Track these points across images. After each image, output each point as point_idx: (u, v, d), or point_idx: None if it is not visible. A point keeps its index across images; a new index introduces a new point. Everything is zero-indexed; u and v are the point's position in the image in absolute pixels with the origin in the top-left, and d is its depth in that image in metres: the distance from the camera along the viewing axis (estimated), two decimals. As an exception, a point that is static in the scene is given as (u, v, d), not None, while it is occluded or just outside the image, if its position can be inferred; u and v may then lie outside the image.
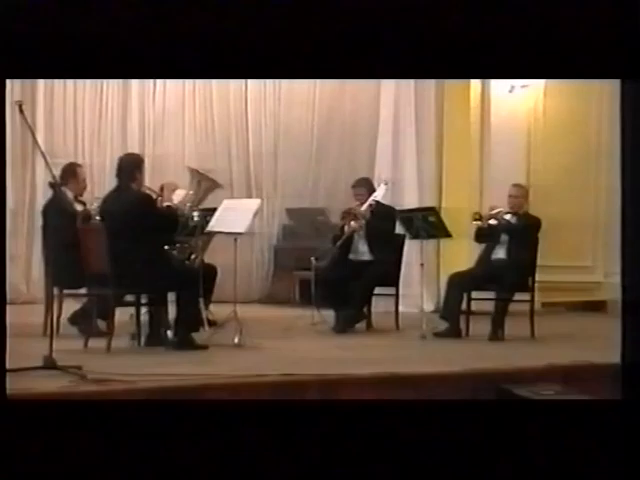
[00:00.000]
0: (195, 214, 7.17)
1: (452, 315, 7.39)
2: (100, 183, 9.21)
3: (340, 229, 8.07)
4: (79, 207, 7.26)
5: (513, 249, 7.48)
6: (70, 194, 7.29)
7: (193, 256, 7.45)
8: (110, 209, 6.57)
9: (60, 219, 6.85)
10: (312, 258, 8.15)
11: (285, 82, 10.75)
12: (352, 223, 7.92)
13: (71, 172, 7.45)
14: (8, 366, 4.36)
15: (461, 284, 7.43)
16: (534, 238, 7.50)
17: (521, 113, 9.97)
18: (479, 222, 7.48)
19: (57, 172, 6.95)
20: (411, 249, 8.29)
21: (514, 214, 7.56)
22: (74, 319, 7.11)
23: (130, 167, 6.62)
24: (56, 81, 9.95)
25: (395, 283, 8.03)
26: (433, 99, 9.79)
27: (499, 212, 7.54)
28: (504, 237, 7.55)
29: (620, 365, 4.50)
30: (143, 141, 10.41)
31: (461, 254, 8.56)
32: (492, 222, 7.47)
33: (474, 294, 7.49)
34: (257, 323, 7.80)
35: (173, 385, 4.85)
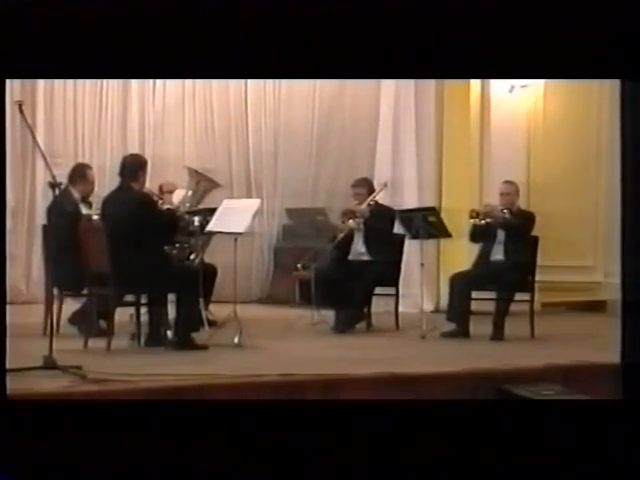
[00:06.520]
0: (196, 218, 7.16)
1: (459, 316, 7.38)
2: (99, 183, 9.18)
3: (340, 226, 8.04)
4: (84, 208, 7.27)
5: (511, 247, 7.47)
6: (77, 195, 7.30)
7: (193, 256, 7.45)
8: (111, 209, 6.58)
9: (63, 219, 6.85)
10: (302, 263, 8.22)
11: (285, 82, 10.75)
12: (350, 222, 7.92)
13: (80, 173, 7.46)
14: (8, 366, 4.36)
15: (464, 284, 7.42)
16: (530, 233, 7.50)
17: (521, 113, 9.96)
18: (476, 220, 7.45)
19: (57, 172, 6.92)
20: (411, 249, 8.28)
21: (508, 211, 7.55)
22: (74, 319, 7.11)
23: (133, 168, 6.64)
24: (56, 81, 9.95)
25: (395, 283, 8.03)
26: (433, 99, 9.78)
27: (495, 208, 7.52)
28: (500, 235, 7.54)
29: (620, 365, 4.51)
30: (143, 141, 10.41)
31: (461, 254, 8.55)
32: (488, 220, 7.45)
33: (474, 294, 7.48)
34: (257, 323, 7.80)
35: (173, 385, 4.85)
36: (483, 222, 7.44)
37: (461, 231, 7.84)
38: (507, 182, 7.76)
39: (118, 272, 6.23)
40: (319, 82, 10.79)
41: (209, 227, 7.12)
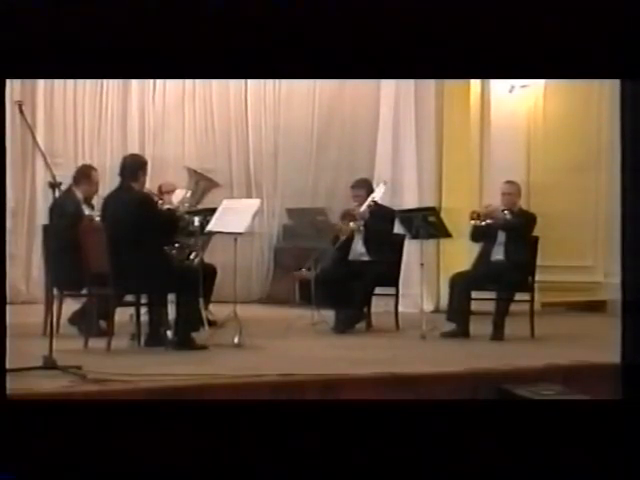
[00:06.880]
0: (196, 218, 7.17)
1: (459, 316, 7.37)
2: (99, 183, 9.20)
3: (340, 228, 8.04)
4: (87, 209, 7.27)
5: (511, 247, 7.47)
6: (80, 195, 7.30)
7: (192, 256, 7.45)
8: (111, 209, 6.58)
9: (65, 219, 6.85)
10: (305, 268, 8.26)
11: (285, 82, 10.75)
12: (351, 224, 7.92)
13: (85, 174, 7.49)
14: (8, 366, 4.36)
15: (464, 284, 7.42)
16: (531, 234, 7.50)
17: (521, 113, 9.97)
18: (477, 221, 7.45)
19: (57, 172, 6.94)
20: (411, 249, 8.29)
21: (509, 211, 7.55)
22: (74, 319, 7.11)
23: (134, 168, 6.66)
24: (56, 81, 9.95)
25: (395, 283, 8.03)
26: (433, 99, 9.78)
27: (496, 209, 7.51)
28: (501, 235, 7.54)
29: (620, 365, 4.51)
30: (143, 141, 10.41)
31: (461, 254, 8.55)
32: (489, 221, 7.45)
33: (474, 294, 7.48)
34: (257, 323, 7.80)
35: (173, 385, 4.85)
36: (484, 223, 7.45)
37: (461, 231, 7.84)
38: (509, 182, 7.76)
39: (118, 272, 6.23)
40: (319, 82, 10.78)
41: (209, 227, 7.12)
